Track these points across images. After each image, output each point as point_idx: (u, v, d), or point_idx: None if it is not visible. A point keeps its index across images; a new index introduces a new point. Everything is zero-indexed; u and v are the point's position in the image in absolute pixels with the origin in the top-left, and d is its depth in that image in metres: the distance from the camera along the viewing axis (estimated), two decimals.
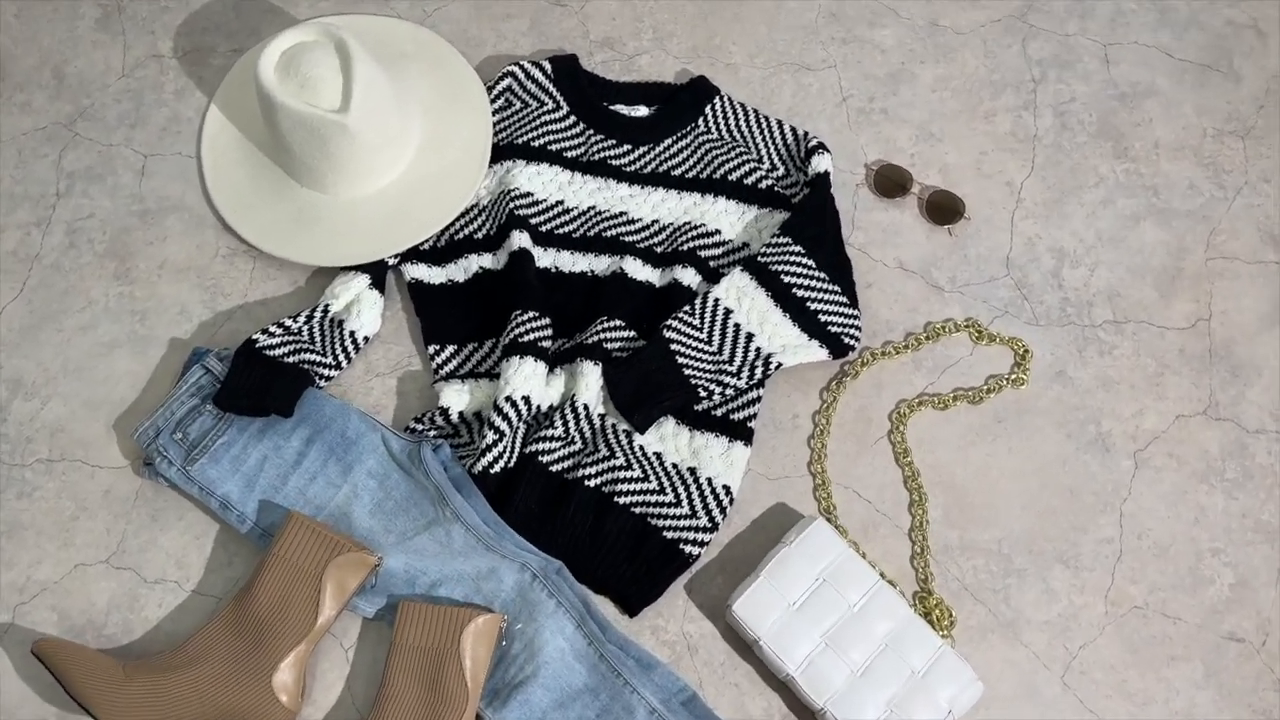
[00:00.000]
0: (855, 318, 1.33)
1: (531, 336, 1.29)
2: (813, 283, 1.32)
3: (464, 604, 1.19)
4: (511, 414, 1.26)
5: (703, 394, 1.27)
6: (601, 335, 1.31)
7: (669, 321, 1.31)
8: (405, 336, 1.35)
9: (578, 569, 1.25)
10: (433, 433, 1.30)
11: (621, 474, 1.26)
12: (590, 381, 1.29)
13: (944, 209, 1.38)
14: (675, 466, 1.27)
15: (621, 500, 1.26)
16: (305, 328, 1.29)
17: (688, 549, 1.24)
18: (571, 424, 1.28)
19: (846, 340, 1.32)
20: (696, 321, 1.31)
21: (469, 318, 1.33)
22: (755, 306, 1.31)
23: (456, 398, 1.30)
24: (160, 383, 1.31)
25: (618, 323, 1.33)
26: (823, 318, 1.31)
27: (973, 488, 1.28)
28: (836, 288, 1.33)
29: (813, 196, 1.35)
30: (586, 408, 1.28)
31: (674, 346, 1.29)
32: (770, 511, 1.29)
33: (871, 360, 1.34)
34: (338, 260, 1.31)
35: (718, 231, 1.38)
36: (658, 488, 1.26)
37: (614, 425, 1.28)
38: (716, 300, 1.31)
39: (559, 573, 1.21)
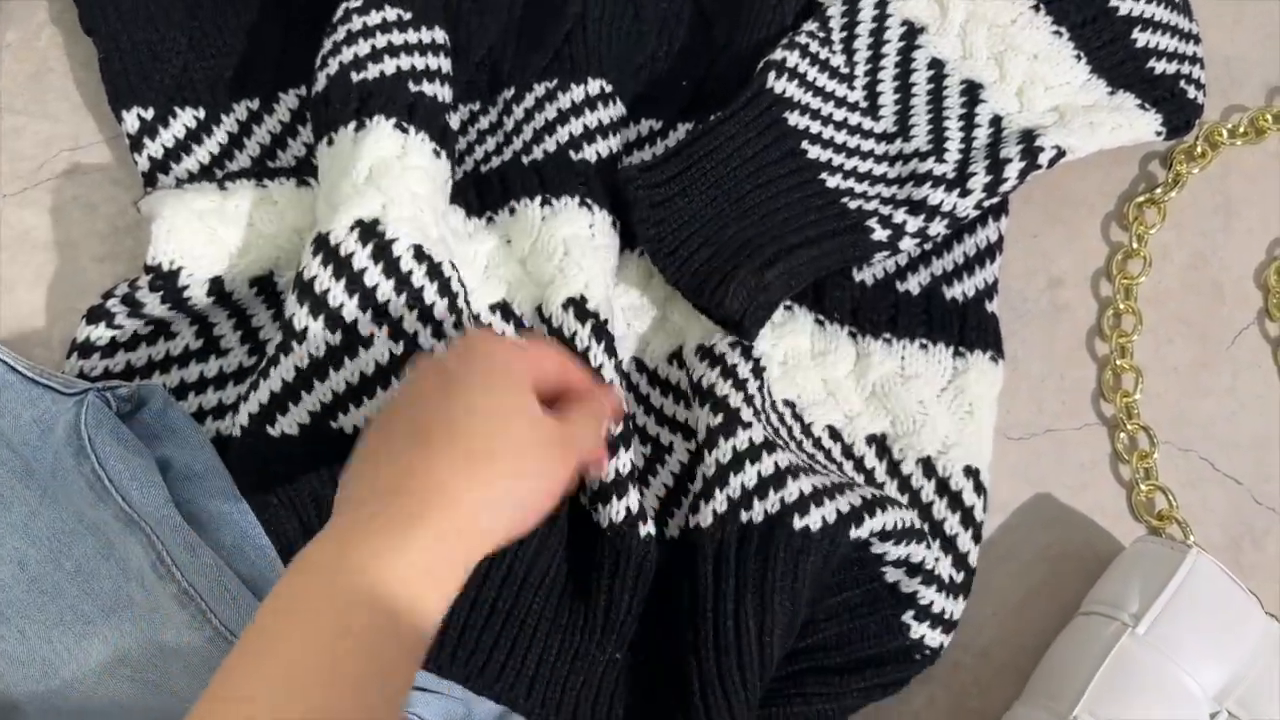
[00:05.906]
0: (1194, 39, 0.61)
1: (414, 80, 0.54)
2: None
3: None
4: (361, 287, 0.50)
5: (877, 233, 0.54)
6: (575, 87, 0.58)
7: (775, 54, 0.58)
8: (56, 88, 0.61)
9: None
10: (122, 361, 0.54)
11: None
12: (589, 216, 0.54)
13: None
14: (837, 435, 0.55)
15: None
16: None
17: (922, 637, 0.53)
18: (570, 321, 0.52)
19: (1190, 92, 0.59)
20: (836, 55, 0.58)
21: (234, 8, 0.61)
22: (980, 10, 0.59)
23: (191, 232, 0.52)
24: None
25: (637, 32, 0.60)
26: (1141, 38, 0.59)
27: None
28: None
29: None
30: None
31: (793, 119, 0.56)
32: (1023, 516, 0.57)
33: (1221, 140, 0.62)
34: None
35: None
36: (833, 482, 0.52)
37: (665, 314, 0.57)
38: None
39: None
